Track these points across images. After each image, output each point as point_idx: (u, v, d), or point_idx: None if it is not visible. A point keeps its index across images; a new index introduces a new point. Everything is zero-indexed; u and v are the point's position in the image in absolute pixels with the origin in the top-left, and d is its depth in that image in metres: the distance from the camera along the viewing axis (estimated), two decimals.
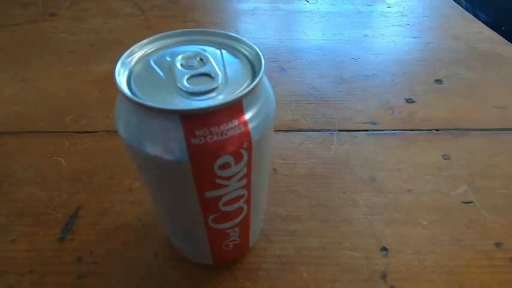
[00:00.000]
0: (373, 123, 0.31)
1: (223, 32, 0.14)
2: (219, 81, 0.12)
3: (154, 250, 0.21)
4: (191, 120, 0.11)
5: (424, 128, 0.31)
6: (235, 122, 0.11)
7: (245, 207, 0.15)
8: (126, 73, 0.12)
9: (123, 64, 0.12)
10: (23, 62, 0.38)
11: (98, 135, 0.29)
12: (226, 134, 0.11)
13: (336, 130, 0.30)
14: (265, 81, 0.13)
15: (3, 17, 0.46)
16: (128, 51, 0.13)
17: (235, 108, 0.11)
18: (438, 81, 0.37)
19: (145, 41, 0.14)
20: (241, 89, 0.12)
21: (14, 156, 0.27)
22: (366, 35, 0.46)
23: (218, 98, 0.11)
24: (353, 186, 0.25)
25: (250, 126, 0.12)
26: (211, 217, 0.14)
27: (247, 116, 0.12)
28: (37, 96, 0.33)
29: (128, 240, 0.21)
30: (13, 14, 0.47)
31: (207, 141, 0.11)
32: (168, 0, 0.53)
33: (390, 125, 0.31)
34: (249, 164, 0.12)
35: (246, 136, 0.12)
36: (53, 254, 0.21)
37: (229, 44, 0.14)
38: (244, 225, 0.16)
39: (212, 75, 0.12)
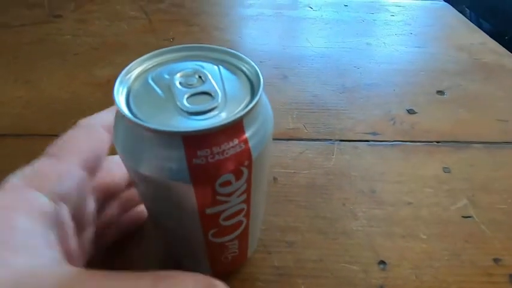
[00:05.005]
0: (374, 133, 0.31)
1: (222, 48, 0.14)
2: (219, 100, 0.12)
3: (155, 259, 0.21)
4: (193, 140, 0.11)
5: (425, 140, 0.31)
6: (236, 141, 0.11)
7: (244, 220, 0.15)
8: (125, 91, 0.12)
9: (121, 83, 0.12)
10: (27, 64, 0.38)
11: None
12: (227, 153, 0.11)
13: (336, 140, 0.30)
14: (264, 97, 0.13)
15: (10, 18, 0.46)
16: (126, 69, 0.13)
17: (236, 127, 0.11)
18: (440, 92, 0.37)
19: (143, 57, 0.14)
20: (241, 107, 0.12)
21: (17, 159, 0.27)
22: (368, 44, 0.46)
23: (219, 117, 0.11)
24: (353, 198, 0.25)
25: (251, 144, 0.12)
26: (211, 232, 0.14)
27: (248, 134, 0.12)
28: (41, 99, 0.33)
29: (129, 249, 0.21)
30: (19, 15, 0.47)
31: (209, 161, 0.11)
32: (173, 4, 0.53)
33: (391, 136, 0.31)
34: (249, 180, 0.13)
35: (246, 154, 0.12)
36: None
37: (228, 60, 0.14)
38: (243, 238, 0.16)
39: (212, 93, 0.12)
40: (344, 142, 0.30)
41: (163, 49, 0.14)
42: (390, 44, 0.46)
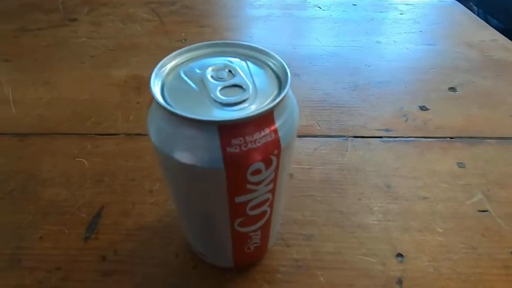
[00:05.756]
0: (387, 130, 0.32)
1: (249, 44, 0.15)
2: (250, 92, 0.13)
3: (174, 251, 0.21)
4: (228, 130, 0.11)
5: (438, 136, 0.31)
6: (267, 131, 0.12)
7: (268, 210, 0.15)
8: (160, 84, 0.13)
9: (156, 75, 0.13)
10: (46, 66, 0.40)
11: (119, 138, 0.30)
12: (259, 142, 0.12)
13: (350, 136, 0.31)
14: (290, 91, 0.14)
15: (28, 22, 0.48)
16: (160, 63, 0.13)
17: (267, 117, 0.12)
18: (452, 89, 0.37)
19: (174, 53, 0.14)
20: (271, 99, 0.12)
21: (40, 157, 0.28)
22: (378, 42, 0.46)
23: (251, 108, 0.12)
24: (368, 193, 0.26)
25: (280, 133, 0.12)
26: (238, 221, 0.14)
27: (277, 124, 0.12)
28: (60, 99, 0.35)
29: (149, 240, 0.22)
30: (37, 19, 0.49)
31: (242, 149, 0.11)
32: (184, 6, 0.54)
33: (404, 132, 0.31)
34: (276, 169, 0.13)
35: (276, 143, 0.12)
36: (79, 252, 0.21)
37: (254, 55, 0.15)
38: (266, 228, 0.17)
39: (243, 86, 0.13)
40: (357, 138, 0.31)
41: (192, 45, 0.14)
42: (400, 42, 0.46)
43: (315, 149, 0.29)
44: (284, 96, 0.12)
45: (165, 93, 0.13)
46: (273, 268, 0.21)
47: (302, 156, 0.29)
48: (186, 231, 0.19)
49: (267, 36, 0.47)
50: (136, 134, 0.30)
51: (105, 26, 0.48)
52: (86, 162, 0.28)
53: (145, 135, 0.30)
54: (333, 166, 0.28)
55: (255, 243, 0.17)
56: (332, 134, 0.31)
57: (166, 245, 0.22)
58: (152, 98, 0.12)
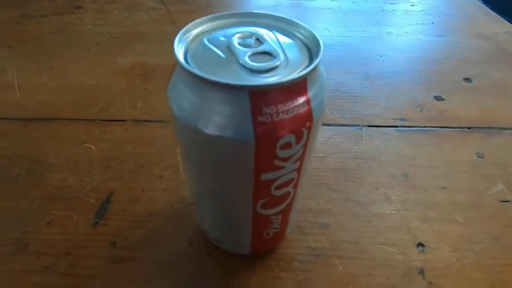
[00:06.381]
0: (402, 119, 0.31)
1: (276, 14, 0.14)
2: (281, 59, 0.12)
3: (187, 237, 0.21)
4: (259, 97, 0.10)
5: (455, 126, 0.30)
6: (300, 100, 0.11)
7: (292, 192, 0.15)
8: (183, 50, 0.12)
9: (180, 40, 0.12)
10: (50, 53, 0.39)
11: (126, 124, 0.29)
12: (291, 113, 0.11)
13: (364, 125, 0.30)
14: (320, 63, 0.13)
15: (32, 9, 0.47)
16: (183, 29, 0.13)
17: (300, 86, 0.11)
18: (467, 79, 0.36)
19: (198, 20, 0.13)
20: (303, 67, 0.12)
21: (45, 143, 0.27)
22: (389, 33, 0.45)
23: (283, 75, 0.11)
24: (385, 182, 0.25)
25: (312, 105, 0.11)
26: (261, 202, 0.14)
27: (310, 94, 0.11)
28: (65, 86, 0.34)
29: (160, 227, 0.21)
30: (41, 6, 0.48)
31: (273, 119, 0.11)
32: None
33: (420, 122, 0.30)
34: (305, 145, 0.12)
35: (308, 115, 0.11)
36: (88, 238, 0.21)
37: (282, 26, 0.14)
38: (287, 212, 0.16)
39: (272, 53, 0.12)
40: (372, 128, 0.30)
41: (216, 14, 0.13)
42: (412, 33, 0.45)
43: (329, 138, 0.29)
44: (317, 65, 0.11)
45: (189, 60, 0.12)
46: (290, 256, 0.20)
47: (316, 145, 0.28)
48: (202, 216, 0.18)
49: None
50: (144, 121, 0.30)
51: (110, 14, 0.47)
52: (93, 147, 0.27)
53: (154, 121, 0.30)
54: (347, 155, 0.27)
55: (275, 228, 0.17)
56: (346, 123, 0.30)
57: (179, 231, 0.21)
58: (175, 64, 0.11)
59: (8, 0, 0.49)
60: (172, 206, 0.23)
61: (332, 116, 0.31)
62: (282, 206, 0.15)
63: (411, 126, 0.30)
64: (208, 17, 0.13)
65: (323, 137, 0.29)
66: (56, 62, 0.37)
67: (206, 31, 0.13)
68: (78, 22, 0.45)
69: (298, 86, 0.11)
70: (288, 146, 0.11)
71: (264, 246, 0.19)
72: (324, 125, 0.30)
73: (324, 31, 0.45)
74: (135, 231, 0.21)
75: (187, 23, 0.13)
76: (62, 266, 0.19)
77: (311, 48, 0.12)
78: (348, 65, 0.38)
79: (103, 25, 0.44)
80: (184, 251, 0.20)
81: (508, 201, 0.24)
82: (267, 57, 0.12)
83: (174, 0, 0.51)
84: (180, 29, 0.13)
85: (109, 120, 0.29)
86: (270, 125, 0.11)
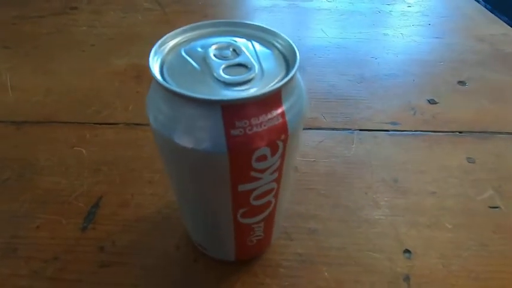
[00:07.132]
0: (394, 123, 0.31)
1: (255, 23, 0.14)
2: (256, 71, 0.12)
3: (175, 243, 0.21)
4: (232, 111, 0.10)
5: (447, 130, 0.30)
6: (274, 113, 0.11)
7: (273, 200, 0.15)
8: (159, 63, 0.12)
9: (156, 53, 0.12)
10: (45, 54, 0.39)
11: (118, 128, 0.29)
12: (265, 125, 0.11)
13: (356, 129, 0.30)
14: (298, 74, 0.13)
15: (29, 10, 0.47)
16: (160, 41, 0.13)
17: (274, 99, 0.11)
18: (461, 82, 0.36)
19: (175, 31, 0.13)
20: (278, 79, 0.12)
21: (37, 146, 0.27)
22: (385, 34, 0.45)
23: (256, 88, 0.11)
24: (374, 187, 0.25)
25: (287, 117, 0.11)
26: (241, 211, 0.14)
27: (285, 107, 0.11)
28: (60, 87, 0.34)
29: (149, 232, 0.21)
30: (37, 7, 0.48)
31: (247, 132, 0.11)
32: None
33: (412, 126, 0.30)
34: (282, 157, 0.12)
35: (283, 127, 0.11)
36: (76, 242, 0.21)
37: (260, 35, 0.14)
38: (270, 220, 0.16)
39: (248, 65, 0.12)
40: (363, 132, 0.30)
41: (195, 24, 0.13)
42: (408, 35, 0.45)
43: (320, 142, 0.29)
44: (292, 77, 0.11)
45: (165, 73, 0.12)
46: (276, 262, 0.20)
47: (306, 149, 0.28)
48: (187, 223, 0.18)
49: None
50: (135, 124, 0.30)
51: (106, 15, 0.47)
52: (84, 151, 0.27)
53: (144, 125, 0.30)
54: (338, 159, 0.27)
55: (258, 236, 0.17)
56: (337, 126, 0.30)
57: (166, 237, 0.21)
58: (152, 79, 0.11)
59: (4, 0, 0.49)
60: (160, 211, 0.23)
61: (324, 120, 0.31)
62: (264, 215, 0.15)
63: (403, 130, 0.30)
64: (187, 26, 0.13)
65: (314, 141, 0.29)
66: (51, 63, 0.37)
67: (185, 41, 0.13)
68: (74, 23, 0.45)
69: (272, 99, 0.11)
70: (263, 158, 0.12)
71: (248, 253, 0.19)
72: (315, 128, 0.30)
73: (320, 33, 0.45)
74: (123, 236, 0.21)
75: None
76: (50, 271, 0.19)
77: (288, 59, 0.12)
78: (342, 67, 0.38)
79: (98, 26, 0.44)
80: (171, 257, 0.20)
81: (498, 207, 0.24)
82: (242, 69, 0.12)
83: (170, 1, 0.51)
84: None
85: (101, 123, 0.30)
86: (243, 138, 0.11)
